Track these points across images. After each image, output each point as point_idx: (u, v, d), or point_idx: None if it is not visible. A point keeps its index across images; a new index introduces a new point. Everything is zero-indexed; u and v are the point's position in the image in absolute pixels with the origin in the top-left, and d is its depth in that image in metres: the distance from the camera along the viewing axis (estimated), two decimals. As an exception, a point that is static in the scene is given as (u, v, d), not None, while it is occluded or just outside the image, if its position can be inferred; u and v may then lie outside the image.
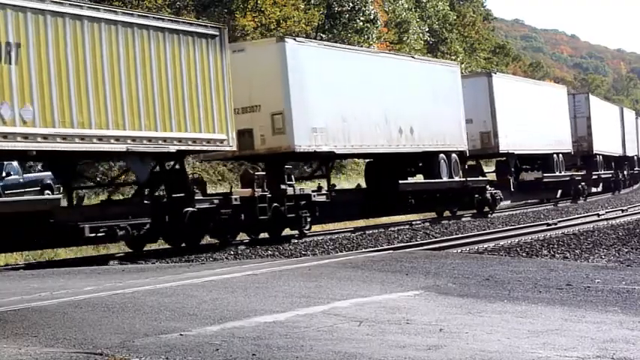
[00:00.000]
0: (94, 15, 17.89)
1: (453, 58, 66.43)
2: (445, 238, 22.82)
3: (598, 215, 29.68)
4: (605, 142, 46.93)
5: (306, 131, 22.94)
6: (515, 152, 35.32)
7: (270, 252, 20.22)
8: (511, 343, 6.98)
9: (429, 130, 28.11)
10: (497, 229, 25.90)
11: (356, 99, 24.88)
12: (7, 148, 16.32)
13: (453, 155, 29.80)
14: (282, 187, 22.74)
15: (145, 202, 19.71)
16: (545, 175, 38.19)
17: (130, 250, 20.32)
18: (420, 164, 28.90)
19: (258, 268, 12.43)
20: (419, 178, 29.47)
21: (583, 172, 43.39)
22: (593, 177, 45.16)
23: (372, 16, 50.33)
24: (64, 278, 12.29)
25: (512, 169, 35.58)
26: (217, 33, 20.67)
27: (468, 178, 30.81)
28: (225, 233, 21.43)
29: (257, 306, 8.77)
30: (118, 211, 18.90)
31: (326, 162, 25.84)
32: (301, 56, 23.06)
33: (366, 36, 49.55)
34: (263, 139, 22.54)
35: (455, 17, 77.20)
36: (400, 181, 27.49)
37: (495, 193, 32.86)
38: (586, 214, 31.23)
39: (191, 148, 20.09)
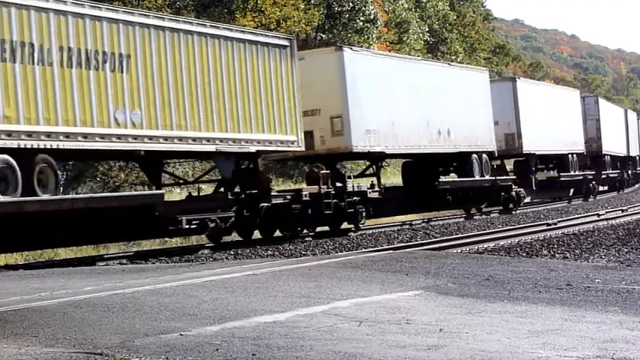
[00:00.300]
0: (188, 28, 20.16)
1: (453, 58, 66.48)
2: (445, 238, 22.82)
3: (598, 215, 29.68)
4: (612, 143, 48.84)
5: (361, 133, 25.10)
6: (537, 153, 37.22)
7: (270, 252, 20.23)
8: (511, 343, 6.98)
9: (463, 131, 30.16)
10: (497, 229, 25.91)
11: (402, 103, 26.95)
12: (120, 148, 18.54)
13: (484, 155, 31.89)
14: (340, 184, 24.90)
15: (229, 197, 21.54)
16: (561, 174, 40.52)
17: (212, 243, 21.83)
18: (455, 164, 30.95)
19: (258, 268, 12.44)
20: (452, 177, 31.43)
21: (594, 172, 45.18)
22: (602, 176, 47.05)
23: (372, 16, 50.31)
24: (63, 278, 12.29)
25: (533, 169, 37.65)
26: (288, 44, 22.90)
27: (497, 177, 33.05)
28: (296, 226, 23.42)
29: (257, 306, 8.77)
30: (207, 206, 20.92)
31: (377, 161, 27.36)
32: (356, 64, 25.23)
33: (366, 36, 49.54)
34: (323, 140, 24.69)
35: (455, 17, 77.18)
36: (439, 179, 29.94)
37: (519, 191, 34.74)
38: (586, 214, 31.23)
39: (267, 148, 22.19)
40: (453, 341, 7.03)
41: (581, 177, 42.94)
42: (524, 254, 18.54)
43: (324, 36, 45.76)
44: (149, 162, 21.52)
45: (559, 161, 40.68)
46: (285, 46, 22.70)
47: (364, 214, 25.48)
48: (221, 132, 20.63)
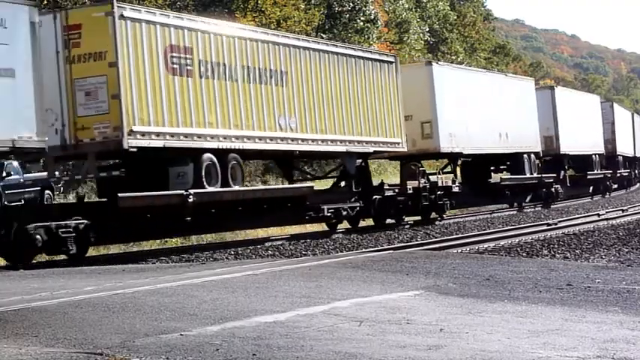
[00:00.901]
0: (324, 48, 24.92)
1: (454, 58, 66.47)
2: (445, 238, 22.82)
3: (598, 215, 29.68)
4: (624, 145, 53.40)
5: (446, 136, 29.53)
6: (570, 153, 41.41)
7: (270, 252, 20.23)
8: (511, 343, 6.97)
9: (516, 134, 34.55)
10: (497, 229, 25.91)
11: (473, 110, 31.43)
12: (282, 149, 23.07)
13: (532, 155, 36.20)
14: (434, 179, 29.53)
15: (354, 190, 25.83)
16: (588, 172, 44.72)
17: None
18: (508, 162, 35.44)
19: (258, 268, 12.43)
20: (503, 175, 36.14)
21: (611, 171, 49.24)
22: (617, 175, 51.56)
23: (372, 16, 50.32)
24: (64, 278, 12.29)
25: (566, 167, 42.06)
26: (393, 60, 27.79)
27: (542, 175, 37.30)
28: (400, 215, 27.65)
29: (257, 306, 8.77)
30: (339, 197, 25.34)
31: (455, 160, 31.38)
32: (441, 76, 29.97)
33: (366, 36, 49.55)
34: (414, 142, 28.72)
35: (455, 17, 77.19)
36: (501, 176, 35.22)
37: (557, 187, 39.15)
38: (586, 214, 31.23)
39: (380, 149, 26.70)
40: (454, 341, 7.03)
41: (602, 175, 47.12)
42: (524, 254, 18.54)
43: (324, 36, 45.72)
44: (285, 160, 25.90)
45: (584, 161, 44.30)
46: (391, 62, 27.42)
47: (448, 205, 29.97)
48: (350, 135, 25.11)
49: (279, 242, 22.39)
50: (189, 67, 20.07)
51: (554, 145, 39.59)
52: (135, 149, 18.67)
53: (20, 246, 16.95)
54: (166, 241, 23.32)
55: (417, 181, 28.10)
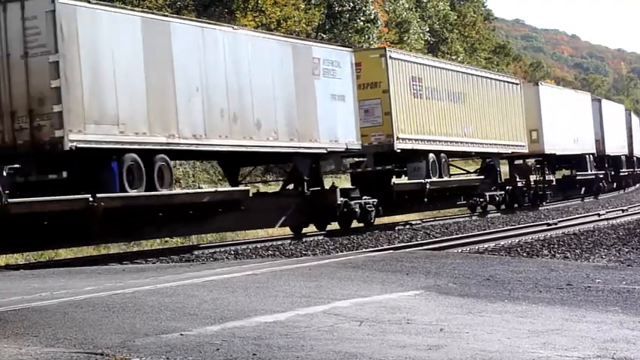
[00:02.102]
0: (479, 74, 34.71)
1: (454, 57, 66.43)
2: (445, 238, 22.83)
3: (598, 215, 29.68)
4: (637, 147, 60.14)
5: (548, 141, 38.48)
6: (611, 154, 50.31)
7: (270, 252, 20.24)
8: (511, 343, 6.97)
9: (584, 138, 44.14)
10: (497, 228, 25.91)
11: (559, 119, 40.12)
12: (465, 150, 32.51)
13: (590, 156, 45.41)
14: (533, 177, 38.10)
15: (499, 182, 35.74)
16: (621, 170, 53.01)
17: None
18: (573, 162, 44.15)
19: (258, 268, 12.43)
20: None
21: (631, 170, 57.44)
22: (635, 173, 59.87)
23: (372, 16, 50.31)
24: (64, 278, 12.29)
25: (606, 166, 50.00)
26: (519, 82, 37.99)
27: (598, 172, 46.53)
28: (522, 203, 36.82)
29: (257, 306, 8.76)
30: (487, 186, 34.13)
31: (550, 160, 40.27)
32: (544, 94, 39.51)
33: (366, 36, 49.54)
34: (522, 147, 36.90)
35: (455, 17, 77.13)
36: (578, 173, 44.60)
37: (602, 183, 48.50)
38: (586, 214, 31.23)
39: (514, 150, 35.83)
40: (454, 341, 7.03)
41: (627, 173, 55.89)
42: (524, 254, 18.54)
43: (324, 36, 45.72)
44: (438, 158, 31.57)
45: (614, 161, 51.65)
46: (517, 84, 37.10)
47: (549, 196, 39.91)
48: (498, 140, 34.05)
49: (280, 242, 22.35)
50: (420, 92, 28.85)
51: (601, 147, 47.77)
52: (399, 150, 27.27)
53: None
54: (167, 241, 23.33)
55: (534, 176, 38.00)
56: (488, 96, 33.67)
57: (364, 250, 19.54)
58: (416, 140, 28.08)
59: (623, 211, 31.94)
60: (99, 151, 17.96)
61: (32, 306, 8.75)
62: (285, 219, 23.84)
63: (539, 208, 36.95)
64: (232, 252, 19.91)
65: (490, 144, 33.65)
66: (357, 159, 29.26)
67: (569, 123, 41.46)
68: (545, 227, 24.83)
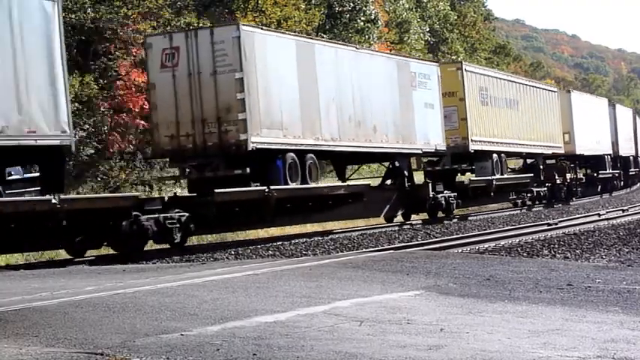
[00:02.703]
0: (526, 83, 39.27)
1: (454, 58, 66.42)
2: (446, 238, 22.82)
3: (599, 215, 29.67)
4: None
5: (578, 142, 43.63)
6: (623, 155, 54.69)
7: (270, 252, 20.23)
8: (512, 343, 6.97)
9: (603, 140, 49.04)
10: (497, 228, 25.90)
11: (588, 124, 45.53)
12: (519, 150, 37.39)
13: (608, 157, 50.19)
14: (569, 175, 43.49)
15: (541, 178, 39.77)
16: (630, 169, 57.46)
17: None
18: (592, 162, 48.42)
19: (259, 268, 12.43)
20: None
21: (637, 170, 61.51)
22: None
23: (372, 16, 50.30)
24: (64, 278, 12.29)
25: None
26: (557, 90, 42.96)
27: (615, 171, 51.80)
28: (551, 199, 40.72)
29: (258, 306, 8.76)
30: (531, 182, 38.56)
31: (579, 160, 45.21)
32: (575, 100, 44.63)
33: (366, 36, 49.53)
34: (559, 148, 41.76)
35: (456, 17, 77.16)
36: (600, 172, 49.12)
37: (617, 181, 53.99)
38: (587, 214, 31.23)
39: (550, 151, 40.38)
40: (454, 341, 7.03)
41: (636, 172, 60.58)
42: (525, 254, 18.52)
43: (324, 36, 45.69)
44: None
45: (627, 161, 56.33)
46: (554, 91, 42.04)
47: (579, 193, 45.06)
48: (541, 141, 38.55)
49: (279, 242, 22.46)
50: (487, 100, 33.31)
51: (615, 149, 51.84)
52: (473, 151, 32.08)
53: None
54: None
55: (569, 174, 43.14)
56: (534, 103, 38.27)
57: (364, 250, 19.53)
58: (484, 142, 32.88)
59: (623, 211, 31.93)
60: (269, 151, 21.93)
61: (32, 306, 8.75)
62: (388, 209, 28.23)
63: (570, 203, 41.56)
64: (233, 252, 19.91)
65: (537, 145, 38.44)
66: (430, 158, 32.91)
67: (592, 126, 46.40)
68: (545, 227, 24.82)
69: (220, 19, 37.59)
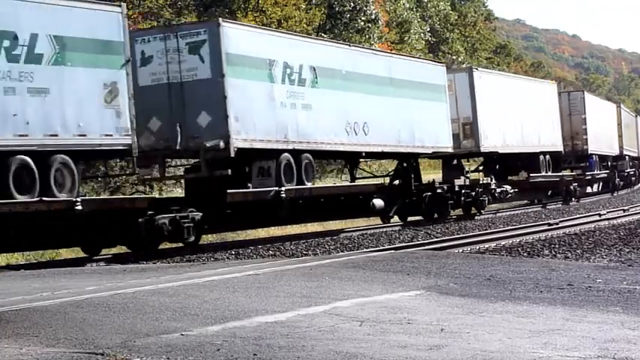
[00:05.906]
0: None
1: (454, 58, 66.43)
2: (446, 238, 22.80)
3: (599, 215, 29.65)
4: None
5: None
6: (630, 155, 56.31)
7: (271, 252, 20.23)
8: (512, 343, 6.97)
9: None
10: (498, 228, 25.89)
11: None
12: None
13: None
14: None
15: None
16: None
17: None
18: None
19: (259, 268, 12.43)
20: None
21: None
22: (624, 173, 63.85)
23: (373, 16, 50.28)
24: (65, 278, 12.29)
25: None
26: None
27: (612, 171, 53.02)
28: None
29: (258, 306, 8.77)
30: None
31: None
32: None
33: (367, 36, 49.52)
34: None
35: (456, 17, 77.19)
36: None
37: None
38: (587, 214, 31.21)
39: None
40: (455, 341, 7.03)
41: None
42: (525, 254, 18.51)
43: (325, 36, 45.69)
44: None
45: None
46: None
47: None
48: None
49: (279, 243, 22.47)
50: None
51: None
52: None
53: None
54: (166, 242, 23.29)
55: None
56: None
57: (365, 250, 19.52)
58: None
59: (624, 211, 31.92)
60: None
61: (33, 306, 8.76)
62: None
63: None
64: (233, 252, 19.90)
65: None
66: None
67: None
68: (546, 227, 24.81)
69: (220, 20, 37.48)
